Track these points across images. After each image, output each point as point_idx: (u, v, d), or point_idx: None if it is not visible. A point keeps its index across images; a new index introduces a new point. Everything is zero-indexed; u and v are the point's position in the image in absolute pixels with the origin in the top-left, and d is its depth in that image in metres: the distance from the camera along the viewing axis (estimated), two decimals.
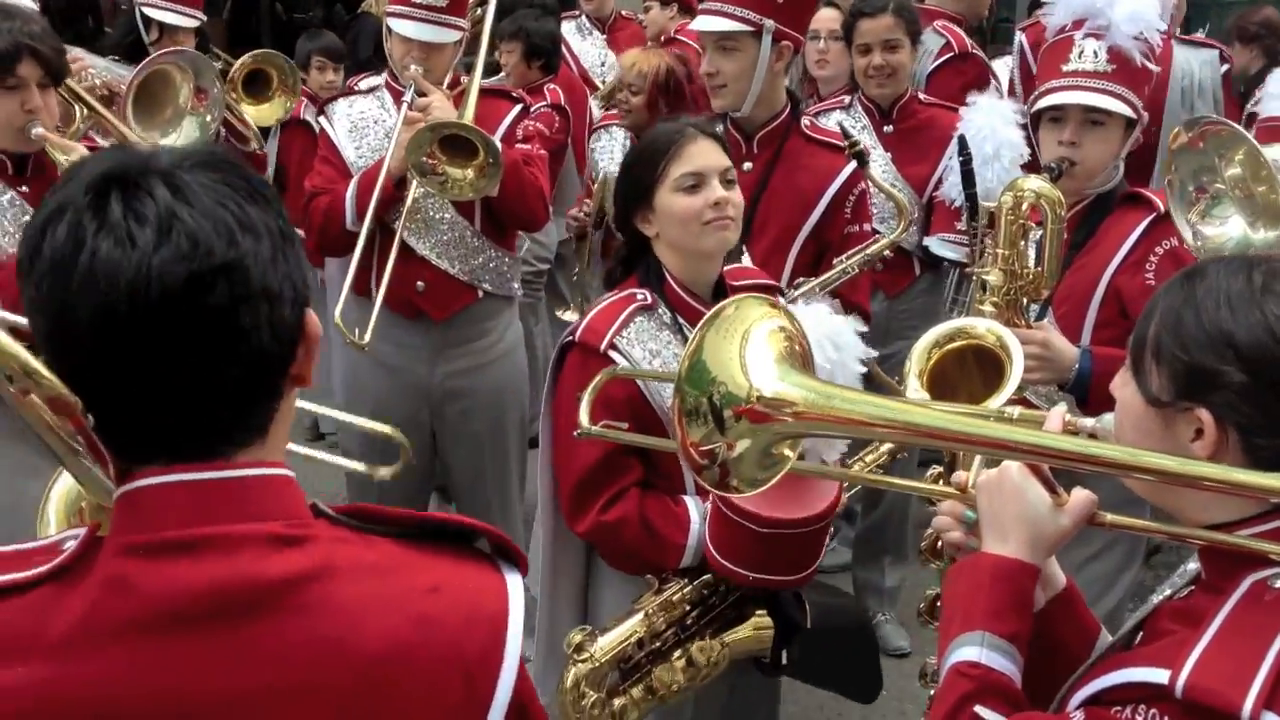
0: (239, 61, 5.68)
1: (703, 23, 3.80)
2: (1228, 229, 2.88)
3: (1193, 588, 1.74)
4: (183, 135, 4.26)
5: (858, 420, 1.84)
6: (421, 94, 4.04)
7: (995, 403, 2.80)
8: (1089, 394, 2.99)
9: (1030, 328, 3.04)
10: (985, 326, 2.83)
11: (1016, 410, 1.91)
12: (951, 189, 4.39)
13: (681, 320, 2.87)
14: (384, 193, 3.98)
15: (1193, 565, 1.78)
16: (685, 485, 2.86)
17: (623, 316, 2.84)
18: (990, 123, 4.01)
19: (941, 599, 1.79)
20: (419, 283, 4.14)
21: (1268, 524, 1.61)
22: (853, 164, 3.83)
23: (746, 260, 3.77)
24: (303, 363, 1.32)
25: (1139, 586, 3.57)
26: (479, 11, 4.44)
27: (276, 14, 13.01)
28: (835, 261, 3.79)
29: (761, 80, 3.75)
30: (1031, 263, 3.05)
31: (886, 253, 3.95)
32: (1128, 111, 3.12)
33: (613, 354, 2.80)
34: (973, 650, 1.69)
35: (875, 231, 4.04)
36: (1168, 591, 1.80)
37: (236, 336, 1.24)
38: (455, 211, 4.15)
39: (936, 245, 4.55)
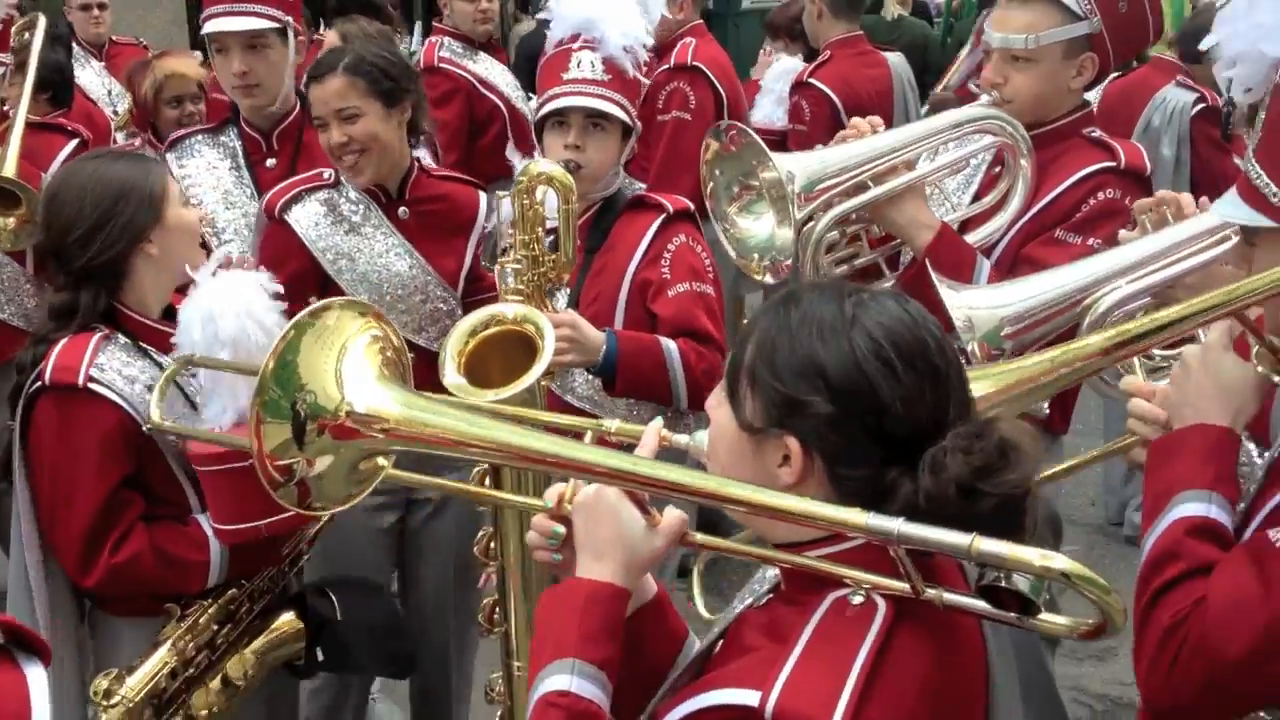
0: None
1: (230, 23, 3.77)
2: (758, 226, 3.06)
3: (771, 595, 1.77)
4: None
5: (451, 440, 1.90)
6: None
7: (527, 380, 2.81)
8: (616, 375, 3.26)
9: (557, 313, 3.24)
10: (514, 312, 2.93)
11: (615, 424, 1.96)
12: None
13: (145, 345, 2.86)
14: None
15: (772, 572, 1.81)
16: (191, 505, 2.87)
17: (91, 347, 2.79)
18: None
19: (534, 622, 1.78)
20: None
21: (838, 545, 1.64)
22: None
23: None
24: None
25: None
26: (25, 37, 4.20)
27: None
28: None
29: (289, 77, 3.86)
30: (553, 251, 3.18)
31: None
32: (625, 117, 3.40)
33: (94, 387, 2.75)
34: (563, 679, 1.67)
35: None
36: (749, 599, 1.82)
37: None
38: (3, 255, 3.99)
39: None
